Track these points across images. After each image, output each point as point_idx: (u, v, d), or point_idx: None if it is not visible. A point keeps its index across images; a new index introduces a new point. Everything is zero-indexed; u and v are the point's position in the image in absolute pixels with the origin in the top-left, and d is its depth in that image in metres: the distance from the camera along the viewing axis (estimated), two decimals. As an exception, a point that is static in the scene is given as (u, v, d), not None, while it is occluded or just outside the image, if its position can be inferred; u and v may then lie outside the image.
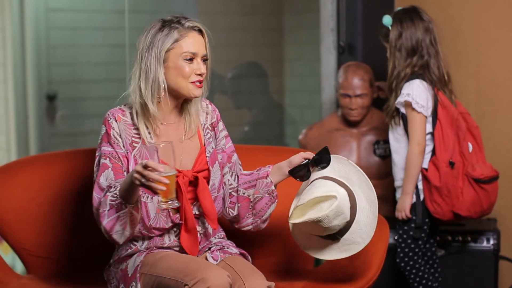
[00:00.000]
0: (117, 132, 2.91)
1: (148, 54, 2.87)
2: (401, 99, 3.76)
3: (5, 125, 5.61)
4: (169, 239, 3.00)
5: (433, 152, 3.78)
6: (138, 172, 2.61)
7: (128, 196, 2.72)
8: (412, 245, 3.86)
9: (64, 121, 5.67)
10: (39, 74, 5.63)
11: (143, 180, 2.61)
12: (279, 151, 3.76)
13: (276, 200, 3.05)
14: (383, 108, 3.94)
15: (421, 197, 3.81)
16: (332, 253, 3.02)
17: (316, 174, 3.00)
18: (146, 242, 2.99)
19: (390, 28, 3.83)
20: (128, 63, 5.11)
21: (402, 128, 3.81)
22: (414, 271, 3.87)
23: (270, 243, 3.57)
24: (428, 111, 3.74)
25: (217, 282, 2.68)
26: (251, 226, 3.10)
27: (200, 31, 2.92)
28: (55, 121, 5.63)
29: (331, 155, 2.99)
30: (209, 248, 3.06)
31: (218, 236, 3.12)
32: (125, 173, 2.88)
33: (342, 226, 2.94)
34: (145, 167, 2.60)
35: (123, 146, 2.91)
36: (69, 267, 3.47)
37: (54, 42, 5.65)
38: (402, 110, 3.78)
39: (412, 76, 3.76)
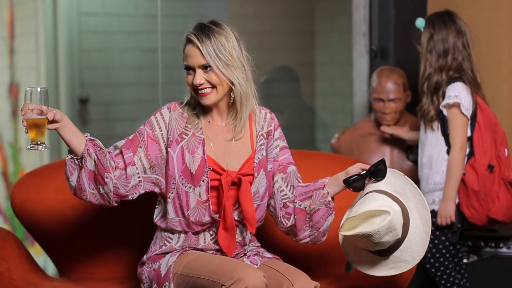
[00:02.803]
0: (162, 118, 2.98)
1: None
2: (449, 101, 3.71)
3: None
4: (204, 241, 3.01)
5: (469, 156, 3.76)
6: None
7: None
8: (444, 251, 3.84)
9: (96, 125, 5.70)
10: (72, 77, 5.66)
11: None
12: (310, 155, 3.76)
13: (334, 212, 3.01)
14: (417, 109, 3.91)
15: (456, 201, 3.79)
16: (381, 270, 2.98)
17: (370, 186, 2.96)
18: (181, 240, 3.01)
19: (422, 30, 3.83)
20: (161, 67, 5.13)
21: (440, 133, 3.79)
22: (445, 276, 3.85)
23: (300, 247, 3.56)
24: (469, 115, 3.72)
25: (254, 282, 2.70)
26: (308, 239, 3.08)
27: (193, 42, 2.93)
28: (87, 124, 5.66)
29: (388, 169, 2.97)
30: (245, 254, 3.07)
31: (253, 244, 3.12)
32: (139, 149, 2.93)
33: (393, 242, 2.89)
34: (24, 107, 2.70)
35: (163, 131, 2.97)
36: (101, 270, 3.48)
37: (86, 46, 5.68)
38: (445, 113, 3.75)
39: (453, 79, 3.74)
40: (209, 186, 2.94)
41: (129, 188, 2.92)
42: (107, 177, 2.84)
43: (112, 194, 2.88)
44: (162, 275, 2.93)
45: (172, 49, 5.29)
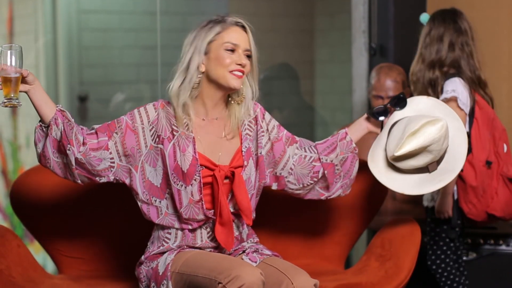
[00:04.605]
0: (146, 113, 2.98)
1: (190, 47, 2.95)
2: (446, 95, 3.71)
3: (37, 126, 5.64)
4: (201, 239, 3.01)
5: (469, 152, 3.76)
6: None
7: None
8: (444, 247, 3.84)
9: (95, 122, 5.69)
10: (71, 75, 5.66)
11: None
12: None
13: (358, 158, 3.19)
14: None
15: (455, 197, 3.79)
16: (428, 186, 3.15)
17: (395, 116, 3.19)
18: (178, 239, 3.01)
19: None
20: (160, 65, 5.12)
21: None
22: (445, 274, 3.85)
23: (300, 245, 3.56)
24: (467, 110, 3.72)
25: (251, 279, 2.69)
26: (340, 190, 3.21)
27: (243, 27, 2.98)
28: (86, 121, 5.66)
29: (408, 98, 3.22)
30: (244, 251, 3.07)
31: (251, 241, 3.13)
32: (114, 135, 2.94)
33: (444, 151, 3.08)
34: None
35: (144, 125, 2.96)
36: (101, 267, 3.48)
37: (86, 44, 5.68)
38: None
39: (450, 75, 3.74)
40: (202, 185, 2.95)
41: (97, 169, 2.94)
42: (69, 149, 2.86)
43: (73, 167, 2.90)
44: (160, 274, 2.93)
45: (171, 47, 5.29)
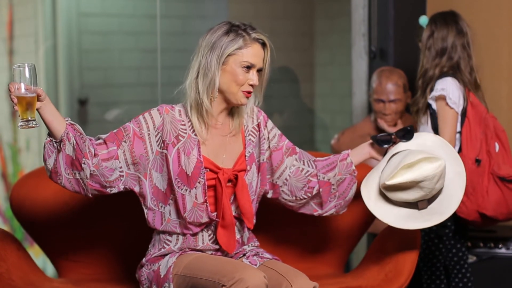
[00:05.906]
0: (152, 119, 2.96)
1: (210, 53, 2.93)
2: (435, 93, 3.74)
3: (37, 129, 5.64)
4: (203, 242, 3.02)
5: (459, 151, 3.77)
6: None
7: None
8: (429, 243, 3.86)
9: (95, 125, 5.70)
10: (71, 78, 5.66)
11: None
12: (310, 156, 3.75)
13: (356, 181, 3.18)
14: (410, 103, 3.93)
15: None
16: (415, 223, 3.11)
17: (398, 147, 3.17)
18: (179, 242, 3.02)
19: (424, 28, 3.86)
20: (160, 68, 5.12)
21: (430, 126, 3.80)
22: (425, 268, 3.88)
23: (300, 249, 3.56)
24: (459, 109, 3.73)
25: (255, 282, 2.71)
26: (334, 210, 3.21)
27: (263, 44, 2.98)
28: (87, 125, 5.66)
29: (416, 132, 3.20)
30: (244, 254, 3.07)
31: (252, 244, 3.13)
32: (123, 143, 2.93)
33: (437, 191, 3.06)
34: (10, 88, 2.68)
35: (150, 131, 2.96)
36: (101, 270, 3.48)
37: (86, 47, 5.68)
38: (434, 106, 3.77)
39: (444, 74, 3.76)
40: (206, 187, 2.95)
41: (109, 180, 2.92)
42: (84, 163, 2.84)
43: (88, 181, 2.87)
44: (162, 276, 2.94)
45: (171, 50, 5.29)
